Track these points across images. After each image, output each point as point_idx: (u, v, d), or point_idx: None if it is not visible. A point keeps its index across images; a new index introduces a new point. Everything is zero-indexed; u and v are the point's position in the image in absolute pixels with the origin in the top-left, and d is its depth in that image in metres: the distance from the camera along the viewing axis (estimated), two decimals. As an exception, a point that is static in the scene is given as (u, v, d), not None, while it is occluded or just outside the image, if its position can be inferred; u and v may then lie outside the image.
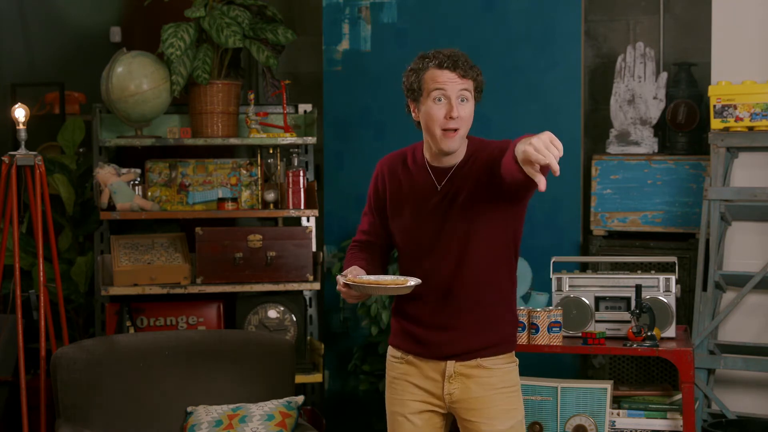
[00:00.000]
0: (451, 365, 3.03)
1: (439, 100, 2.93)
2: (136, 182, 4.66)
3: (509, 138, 2.93)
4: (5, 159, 4.30)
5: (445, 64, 2.92)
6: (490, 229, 2.99)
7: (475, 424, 3.03)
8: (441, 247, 3.00)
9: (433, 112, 2.94)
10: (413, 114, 3.03)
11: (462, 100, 2.93)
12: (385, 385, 3.20)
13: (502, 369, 3.06)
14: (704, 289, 4.35)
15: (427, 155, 3.05)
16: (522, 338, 3.86)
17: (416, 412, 3.08)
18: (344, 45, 5.15)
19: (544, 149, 2.52)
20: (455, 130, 2.93)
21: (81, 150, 5.37)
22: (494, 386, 3.04)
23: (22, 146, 4.29)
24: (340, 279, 2.97)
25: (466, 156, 3.02)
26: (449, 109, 2.91)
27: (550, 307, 3.88)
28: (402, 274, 3.08)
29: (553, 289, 4.02)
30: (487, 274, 3.02)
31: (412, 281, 2.95)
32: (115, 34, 6.21)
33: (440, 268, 3.01)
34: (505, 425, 3.03)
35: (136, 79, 4.55)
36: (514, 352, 3.12)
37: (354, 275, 2.98)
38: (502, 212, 2.99)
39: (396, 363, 3.13)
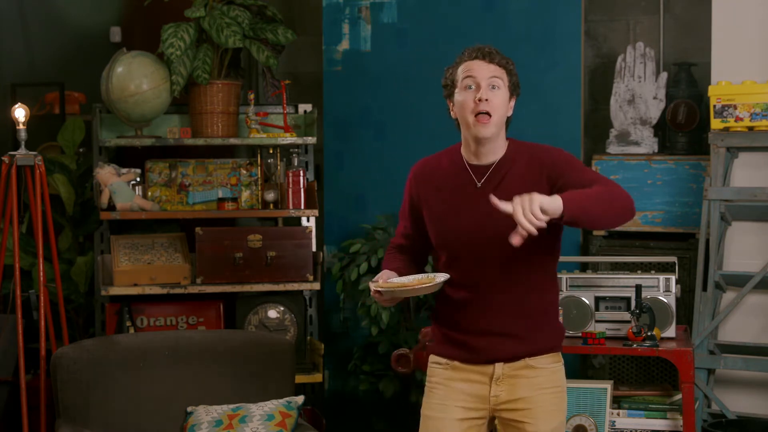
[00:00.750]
0: (499, 367, 2.98)
1: (470, 87, 2.93)
2: (136, 182, 4.66)
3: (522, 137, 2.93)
4: (5, 159, 4.30)
5: (474, 55, 2.95)
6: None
7: (520, 424, 2.98)
8: (482, 248, 2.93)
9: (464, 100, 2.93)
10: (451, 113, 3.00)
11: (493, 87, 2.93)
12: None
13: (549, 369, 3.01)
14: (704, 289, 4.35)
15: (465, 154, 3.01)
16: (522, 338, 3.86)
17: (456, 419, 3.00)
18: (344, 45, 5.15)
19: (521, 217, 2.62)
20: (488, 115, 2.90)
21: (81, 150, 5.36)
22: (541, 386, 2.99)
23: (22, 146, 4.29)
24: (372, 285, 2.93)
25: (507, 154, 2.98)
26: (478, 93, 2.91)
27: (550, 307, 3.88)
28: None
29: (553, 289, 4.01)
30: (530, 276, 2.96)
31: (441, 277, 2.89)
32: (115, 34, 6.20)
33: (482, 271, 2.95)
34: (549, 426, 2.98)
35: (136, 79, 4.55)
36: (560, 352, 3.07)
37: (384, 279, 2.94)
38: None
39: (439, 369, 3.06)
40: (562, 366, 3.06)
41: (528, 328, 2.98)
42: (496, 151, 2.98)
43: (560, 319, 3.75)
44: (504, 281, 2.95)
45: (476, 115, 2.91)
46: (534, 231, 2.61)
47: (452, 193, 2.99)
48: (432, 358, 3.11)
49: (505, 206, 2.66)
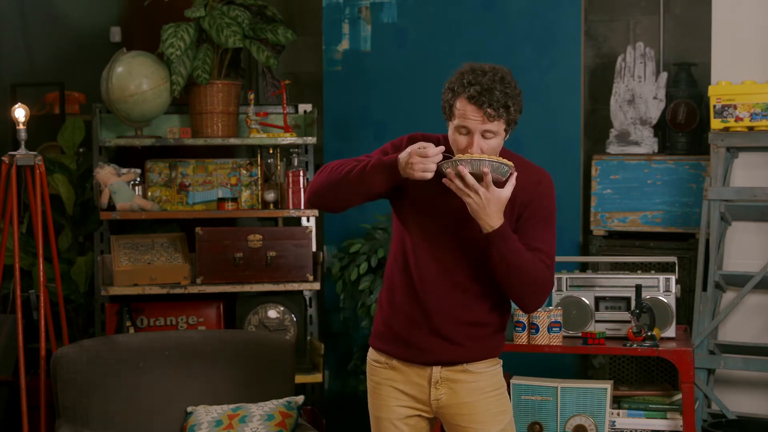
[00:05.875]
0: (437, 371, 2.99)
1: (463, 132, 2.84)
2: (136, 182, 4.66)
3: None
4: (5, 159, 4.30)
5: (472, 95, 2.79)
6: None
7: (466, 429, 3.00)
8: (452, 251, 2.93)
9: (457, 140, 2.86)
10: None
11: (487, 137, 2.84)
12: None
13: (489, 372, 3.02)
14: (704, 289, 4.36)
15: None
16: (522, 338, 3.87)
17: (403, 418, 3.04)
18: (344, 45, 5.16)
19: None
20: None
21: (81, 150, 5.37)
22: (482, 390, 3.00)
23: (22, 146, 4.29)
24: (429, 153, 2.78)
25: None
26: (469, 144, 2.82)
27: (550, 307, 3.88)
28: (401, 270, 2.98)
29: (553, 289, 4.01)
30: (487, 285, 2.96)
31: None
32: (115, 34, 6.21)
33: (443, 272, 2.94)
34: (496, 428, 3.00)
35: (136, 79, 4.55)
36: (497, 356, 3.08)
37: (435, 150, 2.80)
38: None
39: (379, 368, 3.09)
40: (500, 367, 3.07)
41: (472, 337, 2.98)
42: None
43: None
44: (463, 285, 2.95)
45: None
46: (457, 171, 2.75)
47: (438, 190, 2.90)
48: (371, 353, 3.12)
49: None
